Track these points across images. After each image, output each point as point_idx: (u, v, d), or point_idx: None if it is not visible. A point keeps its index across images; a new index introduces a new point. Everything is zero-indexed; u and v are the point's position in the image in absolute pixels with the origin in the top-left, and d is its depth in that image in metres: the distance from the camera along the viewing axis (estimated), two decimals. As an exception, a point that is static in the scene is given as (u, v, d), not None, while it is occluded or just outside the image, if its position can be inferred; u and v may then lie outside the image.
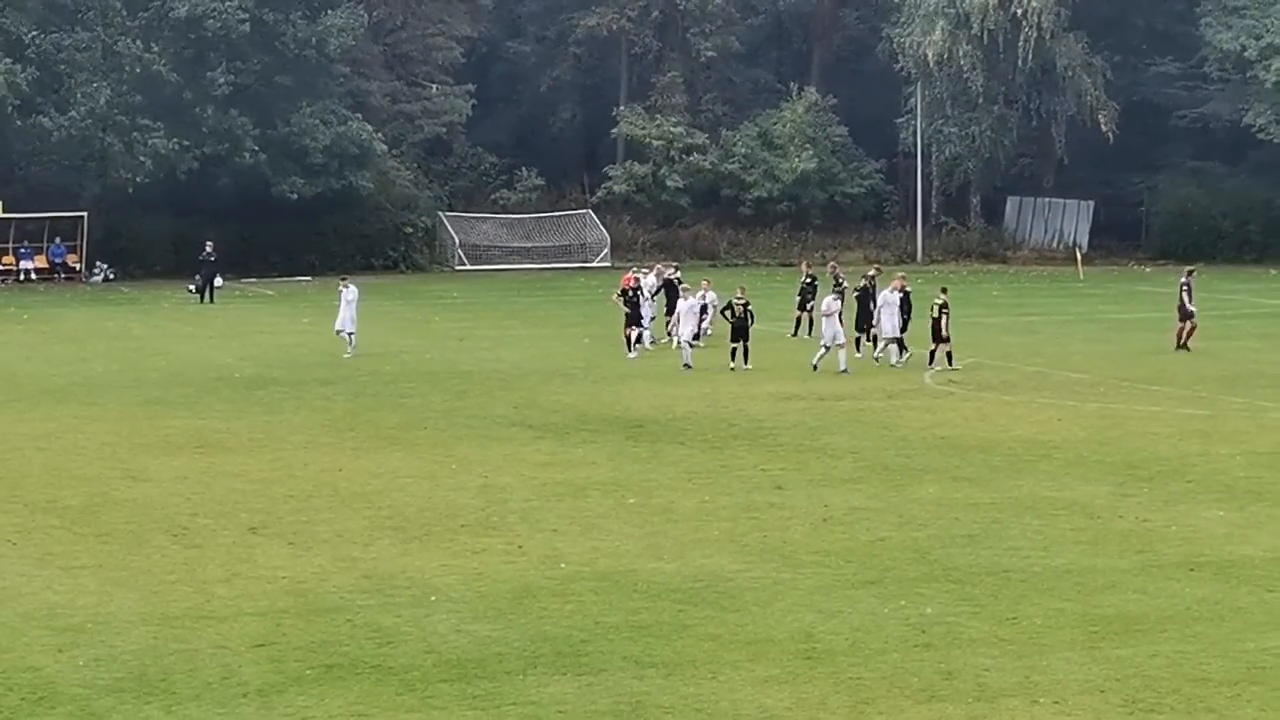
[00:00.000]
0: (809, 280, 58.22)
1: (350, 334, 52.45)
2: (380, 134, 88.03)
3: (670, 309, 54.46)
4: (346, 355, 51.83)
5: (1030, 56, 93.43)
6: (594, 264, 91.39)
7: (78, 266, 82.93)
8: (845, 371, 47.97)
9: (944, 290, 50.25)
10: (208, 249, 74.41)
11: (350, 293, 52.44)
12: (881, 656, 21.62)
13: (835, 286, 56.79)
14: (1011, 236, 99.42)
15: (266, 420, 40.44)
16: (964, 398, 44.06)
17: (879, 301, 51.07)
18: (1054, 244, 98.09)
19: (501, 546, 27.51)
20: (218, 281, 74.32)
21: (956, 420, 40.34)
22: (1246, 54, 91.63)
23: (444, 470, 34.12)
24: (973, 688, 20.41)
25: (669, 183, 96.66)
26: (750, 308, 50.34)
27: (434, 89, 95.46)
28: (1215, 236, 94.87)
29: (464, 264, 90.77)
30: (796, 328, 57.65)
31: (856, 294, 53.02)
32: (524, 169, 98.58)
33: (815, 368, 48.51)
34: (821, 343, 49.29)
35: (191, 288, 74.78)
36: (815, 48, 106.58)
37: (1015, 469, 34.24)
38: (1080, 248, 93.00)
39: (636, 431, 38.66)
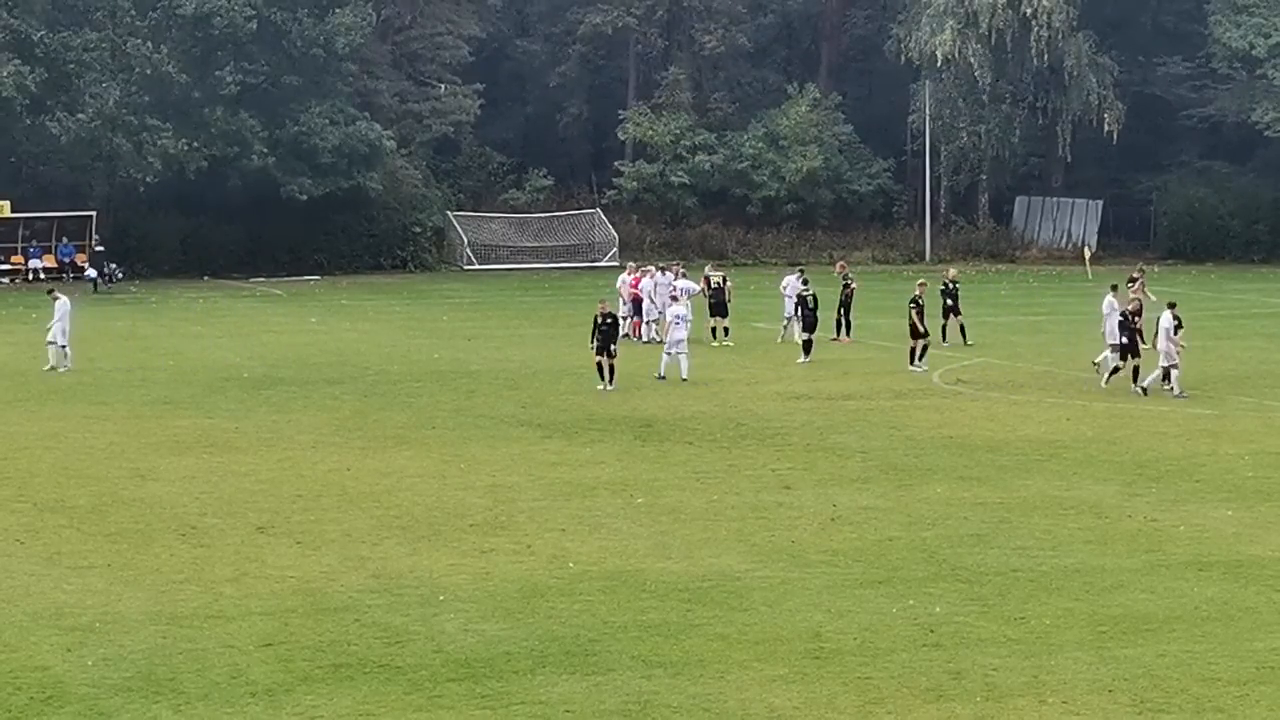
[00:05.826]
0: (847, 282, 57.02)
1: (62, 346, 49.78)
2: (389, 133, 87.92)
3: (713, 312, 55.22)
4: (47, 367, 49.33)
5: (1040, 56, 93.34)
6: (602, 263, 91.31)
7: (85, 266, 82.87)
8: (1174, 392, 44.05)
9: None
10: (94, 239, 79.56)
11: (62, 305, 50.00)
12: (890, 656, 21.62)
13: (844, 288, 56.50)
14: (1020, 236, 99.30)
15: (274, 420, 40.45)
16: (972, 397, 44.03)
17: (1104, 310, 47.84)
18: (1062, 243, 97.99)
19: (510, 546, 27.52)
20: (98, 269, 78.65)
21: (964, 420, 40.33)
22: (1255, 52, 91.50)
23: (452, 470, 34.12)
24: (981, 687, 20.41)
25: (676, 182, 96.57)
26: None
27: (442, 88, 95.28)
28: (1224, 236, 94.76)
29: (472, 263, 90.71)
30: (838, 330, 56.37)
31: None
32: (532, 168, 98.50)
33: (1182, 394, 43.77)
34: (1160, 364, 44.57)
35: (98, 280, 78.26)
36: (823, 47, 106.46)
37: (1023, 468, 34.22)
38: (1089, 247, 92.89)
39: (645, 431, 38.66)
